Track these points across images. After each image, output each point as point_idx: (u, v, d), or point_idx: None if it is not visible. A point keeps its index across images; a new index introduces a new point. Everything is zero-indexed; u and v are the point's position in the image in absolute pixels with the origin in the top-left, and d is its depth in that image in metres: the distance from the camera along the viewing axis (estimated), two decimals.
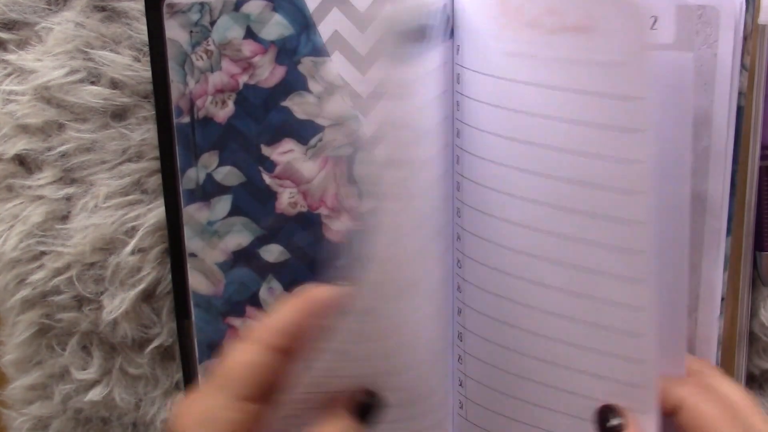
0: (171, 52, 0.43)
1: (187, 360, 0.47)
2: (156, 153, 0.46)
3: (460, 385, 0.45)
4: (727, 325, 0.44)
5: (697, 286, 0.43)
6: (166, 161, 0.45)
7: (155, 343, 0.48)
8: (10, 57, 0.46)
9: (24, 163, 0.47)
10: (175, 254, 0.46)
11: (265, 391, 0.37)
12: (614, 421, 0.39)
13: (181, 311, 0.47)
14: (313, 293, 0.37)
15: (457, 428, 0.46)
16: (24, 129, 0.46)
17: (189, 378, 0.47)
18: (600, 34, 0.35)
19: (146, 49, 0.44)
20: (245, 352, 0.37)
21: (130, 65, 0.45)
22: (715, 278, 0.42)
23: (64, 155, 0.46)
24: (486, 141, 0.41)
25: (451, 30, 0.42)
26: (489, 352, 0.43)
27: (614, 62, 0.35)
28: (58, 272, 0.47)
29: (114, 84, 0.45)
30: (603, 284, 0.38)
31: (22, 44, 0.46)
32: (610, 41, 0.35)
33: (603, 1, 0.35)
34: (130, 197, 0.46)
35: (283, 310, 0.38)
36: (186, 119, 0.44)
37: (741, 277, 0.43)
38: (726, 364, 0.44)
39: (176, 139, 0.44)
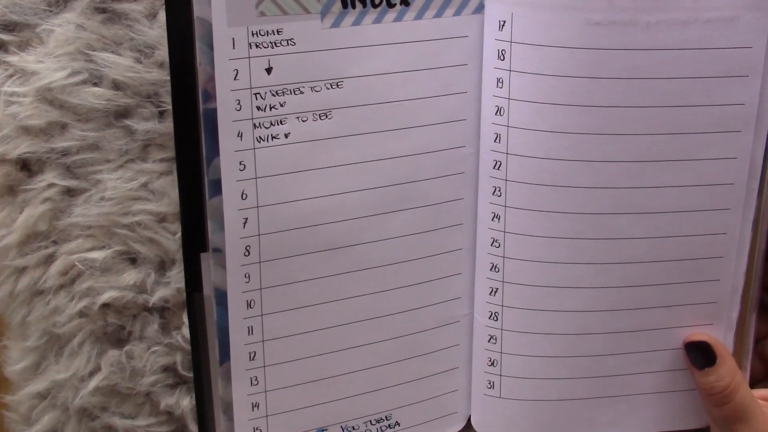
0: (199, 32, 0.40)
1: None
2: (163, 153, 0.46)
3: (491, 364, 0.47)
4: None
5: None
6: (186, 152, 0.43)
7: None
8: (12, 59, 0.46)
9: (27, 166, 0.47)
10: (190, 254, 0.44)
11: None
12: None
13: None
14: None
15: (485, 408, 0.49)
16: (26, 130, 0.46)
17: (198, 362, 0.46)
18: None
19: (148, 50, 0.45)
20: None
21: (131, 66, 0.45)
22: (747, 234, 0.46)
23: (65, 154, 0.46)
24: (544, 113, 0.43)
25: (479, 4, 0.43)
26: (538, 322, 0.46)
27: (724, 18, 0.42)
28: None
29: (116, 85, 0.45)
30: (689, 220, 0.45)
31: (23, 46, 0.46)
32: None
33: None
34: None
35: None
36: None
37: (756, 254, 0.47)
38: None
39: (202, 127, 0.42)
